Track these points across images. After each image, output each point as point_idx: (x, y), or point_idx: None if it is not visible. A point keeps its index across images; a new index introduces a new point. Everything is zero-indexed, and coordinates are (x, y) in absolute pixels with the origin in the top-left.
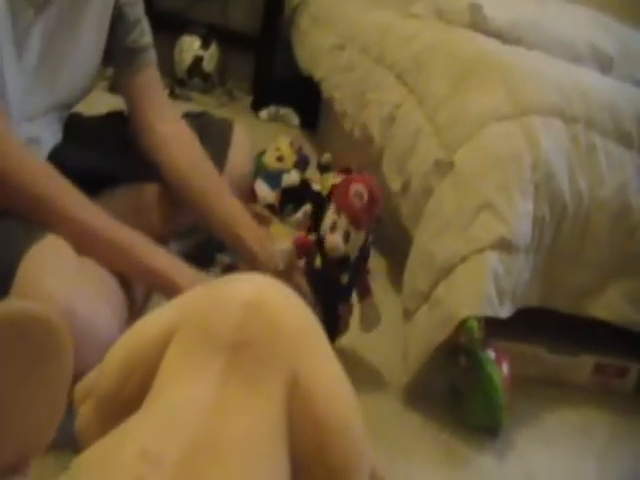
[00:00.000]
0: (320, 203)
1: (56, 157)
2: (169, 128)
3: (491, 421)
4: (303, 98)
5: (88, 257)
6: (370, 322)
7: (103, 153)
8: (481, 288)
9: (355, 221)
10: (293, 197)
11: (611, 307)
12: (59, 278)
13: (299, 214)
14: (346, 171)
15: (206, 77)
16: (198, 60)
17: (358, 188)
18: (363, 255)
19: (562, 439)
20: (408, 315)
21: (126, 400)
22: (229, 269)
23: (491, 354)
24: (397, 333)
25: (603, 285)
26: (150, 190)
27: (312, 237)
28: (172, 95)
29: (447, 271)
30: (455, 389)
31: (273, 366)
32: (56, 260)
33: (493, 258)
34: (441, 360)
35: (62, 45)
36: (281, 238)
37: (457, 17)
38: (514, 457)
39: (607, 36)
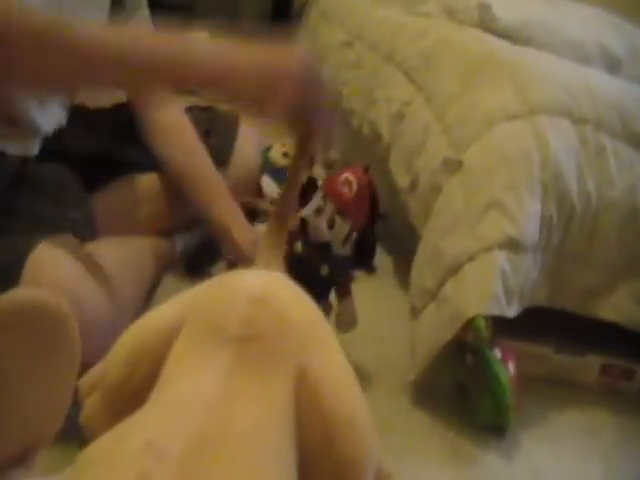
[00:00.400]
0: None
1: (59, 145)
2: (167, 115)
3: (498, 420)
4: None
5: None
6: (345, 324)
7: (107, 142)
8: (489, 287)
9: (341, 209)
10: (299, 193)
11: (619, 308)
12: (65, 270)
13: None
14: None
15: None
16: None
17: (347, 176)
18: (347, 256)
19: (569, 439)
20: (415, 313)
21: (133, 392)
22: (235, 263)
23: (498, 353)
24: (404, 331)
25: (611, 286)
26: (154, 180)
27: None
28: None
29: (455, 269)
30: (462, 388)
31: (280, 359)
32: (60, 256)
33: (501, 257)
34: (448, 359)
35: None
36: None
37: (466, 16)
38: (520, 457)
39: (616, 36)
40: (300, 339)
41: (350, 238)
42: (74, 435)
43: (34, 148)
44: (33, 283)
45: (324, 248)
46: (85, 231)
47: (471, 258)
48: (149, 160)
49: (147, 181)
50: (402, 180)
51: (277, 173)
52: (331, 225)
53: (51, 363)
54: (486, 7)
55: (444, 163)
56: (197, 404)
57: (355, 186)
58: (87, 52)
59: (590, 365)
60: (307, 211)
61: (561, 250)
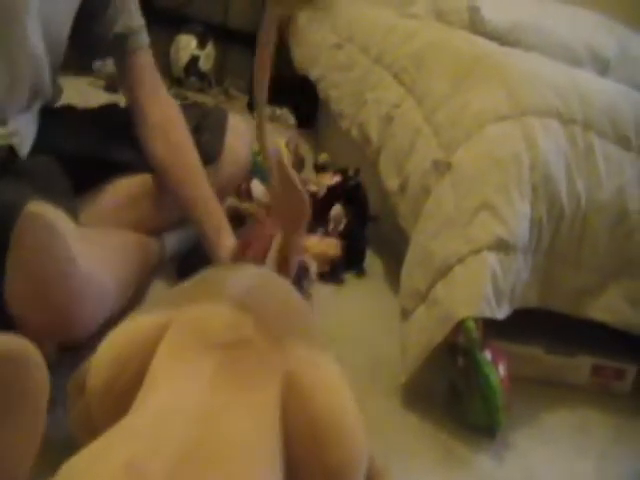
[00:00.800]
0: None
1: (51, 146)
2: (158, 110)
3: (489, 421)
4: (300, 98)
5: None
6: None
7: (98, 142)
8: (479, 289)
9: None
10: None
11: (609, 309)
12: (56, 235)
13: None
14: (342, 172)
15: (203, 76)
16: (195, 59)
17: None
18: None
19: (560, 439)
20: (405, 315)
21: (117, 394)
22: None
23: (488, 355)
24: (395, 333)
25: (601, 287)
26: (143, 181)
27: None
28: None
29: (445, 271)
30: (453, 389)
31: (266, 365)
32: (50, 218)
33: (491, 258)
34: (439, 360)
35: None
36: None
37: (456, 18)
38: (512, 457)
39: (606, 38)
40: (287, 343)
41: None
42: (62, 439)
43: (24, 149)
44: (24, 243)
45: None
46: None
47: (461, 260)
48: (138, 161)
49: (136, 182)
50: (392, 182)
51: (266, 177)
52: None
53: (16, 413)
54: (476, 9)
55: (434, 165)
56: (180, 417)
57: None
58: None
59: (581, 366)
60: None
61: (551, 251)
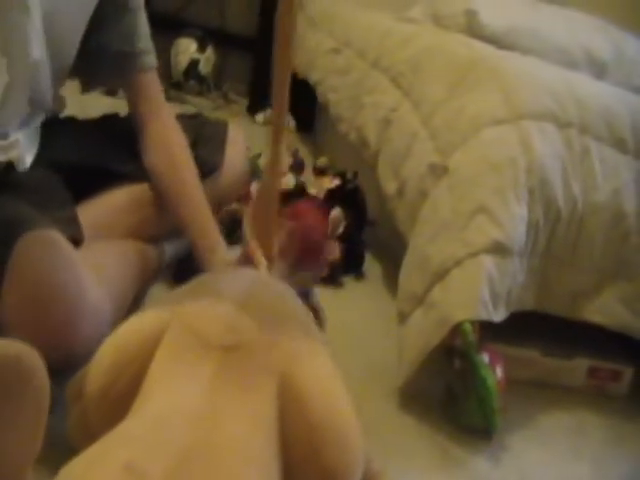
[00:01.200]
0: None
1: (52, 157)
2: (159, 129)
3: (485, 423)
4: (299, 101)
5: None
6: None
7: (99, 153)
8: (476, 292)
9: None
10: (288, 201)
11: (606, 311)
12: (51, 261)
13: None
14: (341, 175)
15: (202, 80)
16: (194, 63)
17: (289, 226)
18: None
19: (557, 442)
20: (403, 318)
21: (115, 399)
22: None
23: (485, 357)
24: (392, 336)
25: (598, 289)
26: (142, 189)
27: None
28: (167, 98)
29: (442, 274)
30: (450, 391)
31: (264, 368)
32: (47, 245)
33: (488, 262)
34: (436, 363)
35: None
36: None
37: (453, 22)
38: (509, 459)
39: (602, 42)
40: (285, 346)
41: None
42: (60, 444)
43: (25, 161)
44: (17, 277)
45: None
46: (70, 230)
47: (458, 263)
48: (138, 172)
49: (134, 190)
50: (389, 186)
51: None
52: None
53: (16, 415)
54: (473, 13)
55: (430, 169)
56: (179, 420)
57: (297, 237)
58: None
59: (577, 368)
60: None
61: (547, 254)
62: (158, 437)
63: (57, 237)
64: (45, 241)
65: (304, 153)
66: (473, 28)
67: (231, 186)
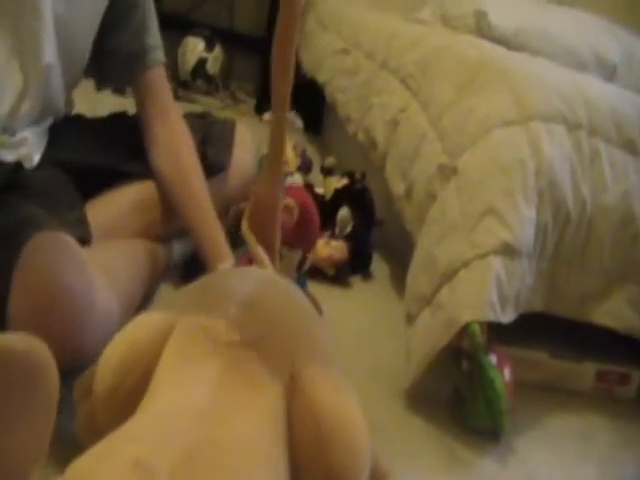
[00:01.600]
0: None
1: (60, 156)
2: (167, 131)
3: (493, 425)
4: (307, 101)
5: None
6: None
7: (107, 152)
8: (484, 293)
9: (285, 240)
10: None
11: (614, 314)
12: (60, 264)
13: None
14: (349, 175)
15: (210, 79)
16: (202, 62)
17: (287, 202)
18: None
19: (564, 444)
20: (410, 319)
21: (123, 398)
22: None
23: (493, 359)
24: (399, 337)
25: (606, 292)
26: (150, 188)
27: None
28: (175, 97)
29: (450, 275)
30: (457, 393)
31: (272, 367)
32: (55, 248)
33: (496, 263)
34: (444, 364)
35: None
36: None
37: (462, 23)
38: (516, 462)
39: (612, 44)
40: (292, 344)
41: (306, 261)
42: (68, 442)
43: (33, 159)
44: (26, 280)
45: None
46: (78, 231)
47: (466, 264)
48: (146, 169)
49: (142, 188)
50: (397, 187)
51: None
52: (280, 259)
53: (26, 409)
54: (482, 14)
55: (439, 170)
56: (187, 417)
57: (296, 211)
58: None
59: (586, 371)
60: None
61: (556, 256)
62: (165, 434)
63: (66, 238)
64: (54, 243)
65: (312, 153)
66: (482, 29)
67: (238, 186)
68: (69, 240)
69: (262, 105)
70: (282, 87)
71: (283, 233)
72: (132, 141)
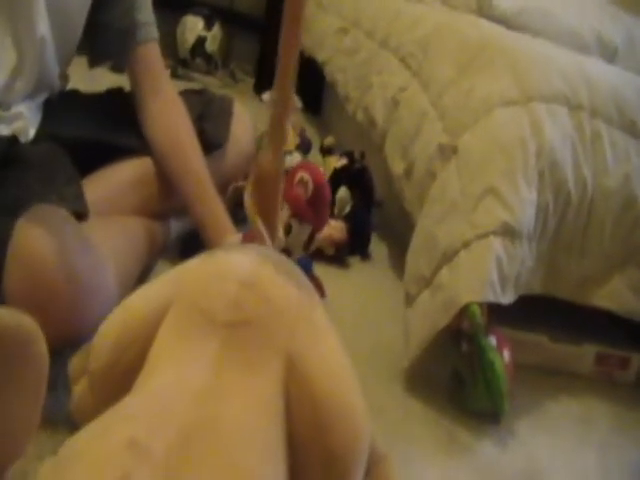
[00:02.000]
0: None
1: (56, 131)
2: (161, 105)
3: (493, 407)
4: (306, 81)
5: None
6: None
7: (103, 127)
8: (484, 274)
9: (296, 212)
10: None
11: (615, 297)
12: (55, 237)
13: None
14: (348, 155)
15: (209, 58)
16: (201, 40)
17: (302, 176)
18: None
19: (564, 428)
20: (410, 300)
21: (119, 376)
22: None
23: (493, 341)
24: (398, 317)
25: (607, 275)
26: (147, 164)
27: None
28: (174, 75)
29: (450, 256)
30: (457, 375)
31: (270, 346)
32: (51, 221)
33: (497, 244)
34: (443, 346)
35: None
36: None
37: (462, 2)
38: (515, 444)
39: (613, 25)
40: (291, 324)
41: (313, 240)
42: (63, 420)
43: (28, 133)
44: (21, 252)
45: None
46: (75, 206)
47: (466, 245)
48: (144, 145)
49: (140, 165)
50: (397, 167)
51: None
52: (288, 231)
53: (16, 384)
54: None
55: (439, 149)
56: (184, 396)
57: (311, 185)
58: None
59: (585, 354)
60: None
61: (557, 238)
62: (161, 413)
63: (62, 212)
64: (50, 216)
65: (311, 133)
66: (483, 8)
67: (237, 163)
68: (65, 214)
69: (261, 84)
70: (288, 58)
71: (296, 205)
72: (129, 116)
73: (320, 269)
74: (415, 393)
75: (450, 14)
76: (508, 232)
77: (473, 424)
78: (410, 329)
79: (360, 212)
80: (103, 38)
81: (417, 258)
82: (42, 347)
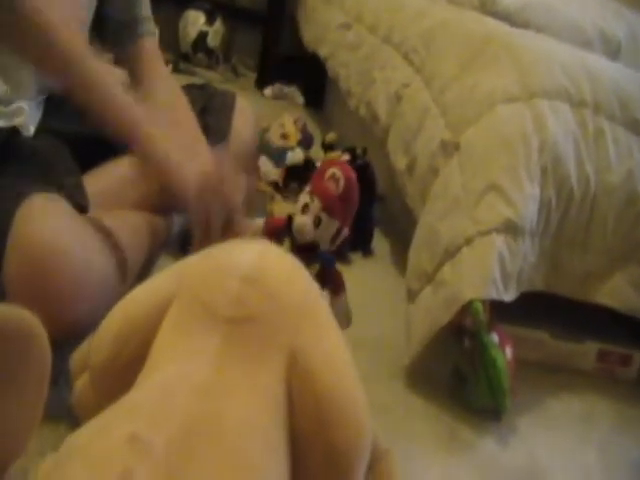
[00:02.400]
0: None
1: (57, 126)
2: (164, 94)
3: (495, 404)
4: (308, 76)
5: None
6: (339, 323)
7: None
8: (486, 271)
9: (327, 207)
10: (297, 175)
11: (617, 294)
12: (55, 224)
13: None
14: (350, 151)
15: (210, 52)
16: (203, 35)
17: (334, 171)
18: (336, 250)
19: (565, 425)
20: (411, 296)
21: (120, 370)
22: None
23: (495, 337)
24: (400, 314)
25: (609, 271)
26: None
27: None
28: (176, 70)
29: (452, 252)
30: (458, 372)
31: (272, 342)
32: (51, 209)
33: (499, 241)
34: (444, 342)
35: None
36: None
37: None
38: (516, 441)
39: (616, 22)
40: (293, 320)
41: (340, 235)
42: (65, 415)
43: (29, 128)
44: (21, 241)
45: (311, 249)
46: (75, 197)
47: (469, 241)
48: None
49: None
50: (400, 162)
51: (274, 154)
52: (317, 224)
53: (17, 380)
54: None
55: (442, 145)
56: (184, 392)
57: (342, 182)
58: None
59: (587, 351)
60: (295, 210)
61: (559, 235)
62: (163, 408)
63: (61, 202)
64: (49, 206)
65: (313, 128)
66: (486, 4)
67: (238, 157)
68: (64, 203)
69: (263, 79)
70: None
71: (327, 199)
72: None
73: None
74: (416, 390)
75: (453, 10)
76: (511, 229)
77: (474, 421)
78: (412, 325)
79: (362, 208)
80: (104, 31)
81: (419, 254)
82: (44, 343)
